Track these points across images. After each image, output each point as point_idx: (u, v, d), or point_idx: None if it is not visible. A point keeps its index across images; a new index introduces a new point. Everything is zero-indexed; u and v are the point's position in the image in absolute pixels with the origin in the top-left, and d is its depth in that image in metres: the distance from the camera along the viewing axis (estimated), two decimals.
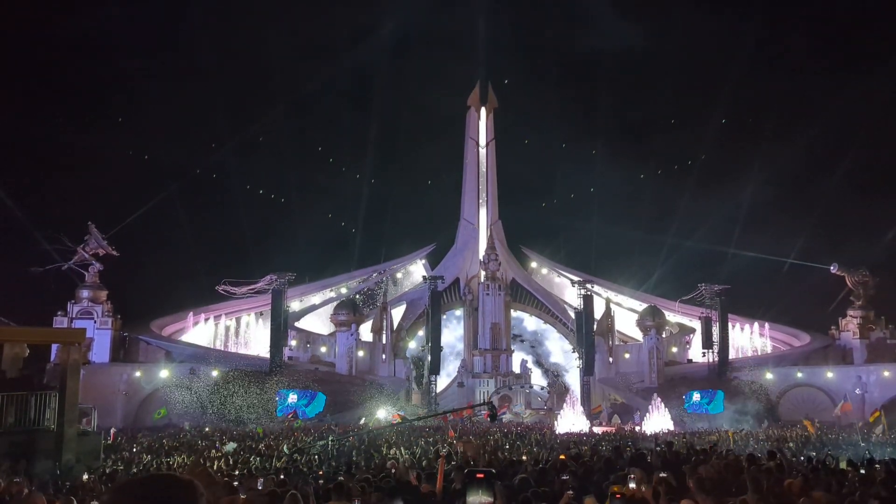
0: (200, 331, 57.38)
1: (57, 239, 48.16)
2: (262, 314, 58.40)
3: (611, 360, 60.60)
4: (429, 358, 59.22)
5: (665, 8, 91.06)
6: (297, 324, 60.20)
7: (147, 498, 2.45)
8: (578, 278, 63.45)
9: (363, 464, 17.29)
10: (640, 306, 62.52)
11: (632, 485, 8.06)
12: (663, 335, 58.74)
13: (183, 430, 36.62)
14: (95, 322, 47.87)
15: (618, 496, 7.41)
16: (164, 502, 2.45)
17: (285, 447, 24.09)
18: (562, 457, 19.25)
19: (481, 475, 4.88)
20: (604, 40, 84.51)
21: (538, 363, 69.25)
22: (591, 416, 51.45)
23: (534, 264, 74.74)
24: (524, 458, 17.58)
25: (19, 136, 63.79)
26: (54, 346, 37.60)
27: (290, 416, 44.90)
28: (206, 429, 37.71)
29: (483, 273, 65.55)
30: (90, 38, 66.02)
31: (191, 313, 56.84)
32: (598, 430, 41.93)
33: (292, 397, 48.09)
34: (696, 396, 51.26)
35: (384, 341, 59.47)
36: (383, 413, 48.53)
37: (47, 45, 68.88)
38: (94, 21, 65.50)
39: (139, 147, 68.73)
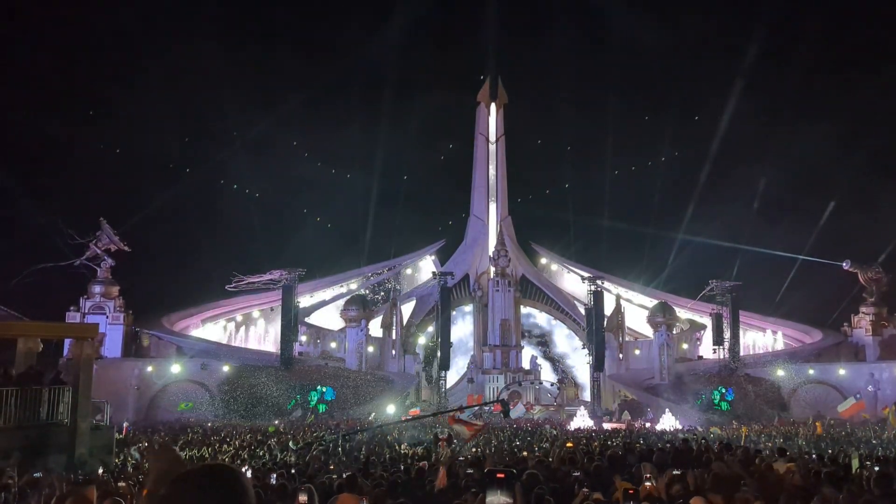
0: (211, 326, 57.65)
1: (69, 235, 48.39)
2: (272, 310, 58.57)
3: (621, 356, 60.43)
4: (438, 354, 59.31)
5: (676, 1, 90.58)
6: (307, 319, 60.37)
7: (206, 488, 2.54)
8: (588, 274, 63.29)
9: (372, 458, 17.31)
10: (651, 303, 62.30)
11: (648, 483, 8.01)
12: (674, 332, 58.53)
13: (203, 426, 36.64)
14: (107, 317, 48.15)
15: (630, 492, 7.35)
16: (221, 491, 2.54)
17: (291, 442, 24.18)
18: (569, 444, 19.23)
19: (501, 475, 4.80)
20: (614, 32, 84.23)
21: (548, 359, 69.16)
22: (603, 412, 51.45)
23: (543, 260, 74.60)
24: (526, 454, 17.53)
25: (32, 133, 64.30)
26: (67, 341, 37.94)
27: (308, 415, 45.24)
28: (209, 423, 37.91)
29: (493, 269, 65.49)
30: (101, 34, 66.33)
31: (202, 309, 57.06)
32: (607, 426, 41.90)
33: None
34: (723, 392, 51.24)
35: (394, 337, 59.59)
36: (394, 408, 48.69)
37: (56, 42, 69.25)
38: (106, 16, 65.80)
39: (149, 144, 69.12)
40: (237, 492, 2.55)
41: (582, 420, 44.47)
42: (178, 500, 2.54)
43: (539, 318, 70.92)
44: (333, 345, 59.42)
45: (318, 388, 48.96)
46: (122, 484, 11.02)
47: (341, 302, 61.05)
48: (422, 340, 65.17)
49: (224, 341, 56.86)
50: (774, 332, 62.48)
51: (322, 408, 47.90)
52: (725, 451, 15.14)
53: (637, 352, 61.22)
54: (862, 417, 44.88)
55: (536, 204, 77.10)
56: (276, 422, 40.05)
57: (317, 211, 74.56)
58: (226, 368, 48.50)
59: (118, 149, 66.94)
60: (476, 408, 44.91)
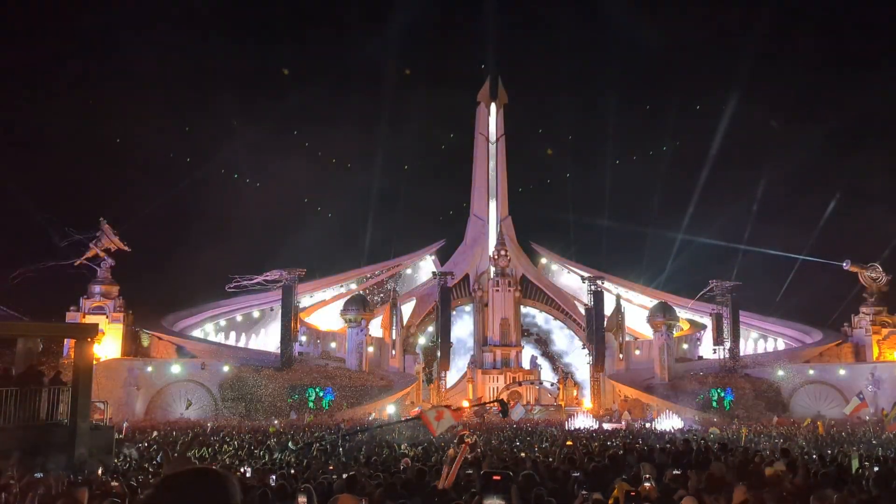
0: (211, 326, 57.64)
1: (69, 232, 48.36)
2: (272, 310, 58.57)
3: (621, 356, 60.43)
4: (438, 354, 59.30)
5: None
6: (307, 319, 60.34)
7: (190, 491, 2.57)
8: (588, 274, 63.34)
9: (373, 458, 17.31)
10: (651, 303, 62.31)
11: (647, 484, 8.01)
12: (674, 332, 58.51)
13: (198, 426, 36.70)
14: (108, 317, 48.14)
15: (632, 493, 7.35)
16: (207, 495, 2.56)
17: (290, 443, 24.19)
18: (569, 442, 19.25)
19: (497, 477, 4.81)
20: (614, 31, 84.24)
21: (548, 358, 69.14)
22: (603, 413, 51.45)
23: (543, 260, 74.57)
24: (525, 454, 17.53)
25: (30, 131, 64.33)
26: (67, 341, 37.97)
27: (306, 413, 45.25)
28: (209, 424, 37.96)
29: (493, 269, 65.47)
30: (99, 29, 66.27)
31: (202, 309, 57.05)
32: (608, 426, 41.90)
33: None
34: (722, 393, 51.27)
35: (394, 337, 59.58)
36: (394, 408, 48.72)
37: (56, 38, 69.20)
38: (105, 12, 65.78)
39: (149, 143, 69.13)
40: (223, 495, 2.55)
41: (582, 421, 44.41)
42: (164, 502, 2.55)
43: (539, 317, 70.88)
44: (333, 345, 59.44)
45: (314, 388, 49.02)
46: (115, 484, 11.01)
47: (341, 302, 61.04)
48: (422, 340, 65.17)
49: (224, 341, 56.86)
50: (774, 332, 62.45)
51: (325, 404, 48.02)
52: (724, 452, 15.15)
53: (637, 352, 61.21)
54: (863, 418, 44.86)
55: (536, 204, 77.15)
56: (276, 422, 40.07)
57: (317, 211, 74.61)
58: (226, 368, 48.53)
59: (117, 147, 66.96)
60: (476, 408, 45.03)
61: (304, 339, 57.43)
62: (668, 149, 75.04)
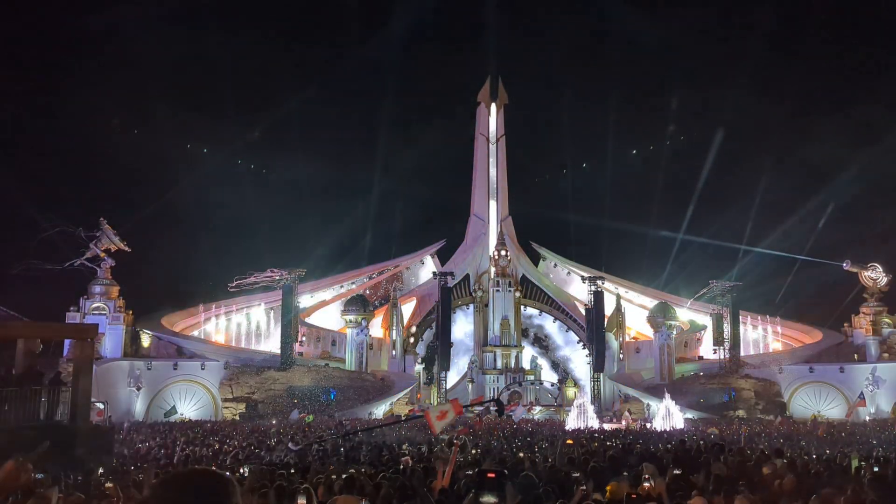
0: (211, 326, 57.62)
1: (70, 235, 48.28)
2: (272, 310, 58.55)
3: (621, 356, 60.43)
4: (438, 354, 59.30)
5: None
6: (307, 319, 60.34)
7: (188, 492, 2.56)
8: (588, 274, 63.33)
9: (374, 459, 17.29)
10: (651, 303, 62.30)
11: (647, 484, 8.00)
12: (674, 332, 58.51)
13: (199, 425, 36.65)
14: (107, 317, 48.08)
15: (633, 497, 7.34)
16: (204, 496, 2.55)
17: (290, 443, 24.16)
18: (569, 441, 19.24)
19: (492, 475, 4.81)
20: (615, 30, 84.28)
21: (548, 359, 69.14)
22: (604, 413, 51.45)
23: (544, 260, 74.58)
24: (523, 454, 17.52)
25: (30, 130, 64.32)
26: (67, 342, 37.96)
27: (302, 415, 45.22)
28: (208, 424, 37.96)
29: (493, 269, 65.48)
30: (98, 29, 66.29)
31: (201, 309, 57.04)
32: (608, 426, 41.90)
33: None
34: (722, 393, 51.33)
35: (394, 337, 59.56)
36: (393, 409, 48.69)
37: (56, 39, 69.22)
38: (102, 13, 65.76)
39: (149, 142, 69.15)
40: (223, 495, 2.54)
41: (581, 420, 44.34)
42: (163, 501, 2.54)
43: (539, 317, 70.89)
44: (334, 345, 59.41)
45: (314, 389, 49.15)
46: (109, 485, 10.99)
47: (341, 302, 61.03)
48: (422, 340, 65.15)
49: (224, 341, 56.85)
50: (775, 333, 62.45)
51: (332, 396, 48.27)
52: (724, 452, 15.14)
53: (637, 352, 61.21)
54: (862, 417, 44.89)
55: (537, 204, 77.18)
56: (274, 422, 40.09)
57: (317, 211, 74.66)
58: (226, 369, 48.55)
59: (117, 147, 66.99)
60: (479, 408, 44.99)
61: (304, 339, 57.49)
62: (667, 148, 75.04)
